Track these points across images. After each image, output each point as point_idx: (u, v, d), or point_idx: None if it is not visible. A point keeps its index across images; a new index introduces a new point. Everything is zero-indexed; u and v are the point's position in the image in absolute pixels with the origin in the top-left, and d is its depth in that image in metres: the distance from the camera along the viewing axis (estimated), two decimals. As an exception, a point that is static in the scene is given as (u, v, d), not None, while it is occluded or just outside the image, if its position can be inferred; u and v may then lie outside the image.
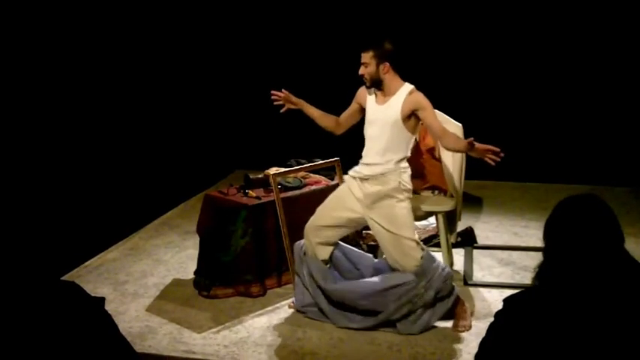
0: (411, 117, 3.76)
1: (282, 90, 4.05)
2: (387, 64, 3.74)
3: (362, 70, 3.78)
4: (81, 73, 5.24)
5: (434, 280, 3.68)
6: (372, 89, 3.85)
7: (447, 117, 4.32)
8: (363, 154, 3.87)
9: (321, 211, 3.94)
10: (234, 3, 7.10)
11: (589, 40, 6.26)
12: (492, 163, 3.76)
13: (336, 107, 4.12)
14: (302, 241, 4.01)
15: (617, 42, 6.21)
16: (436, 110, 3.93)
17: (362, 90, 3.95)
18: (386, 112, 3.78)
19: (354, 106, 4.03)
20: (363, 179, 3.80)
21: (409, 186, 3.80)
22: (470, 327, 3.78)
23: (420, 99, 3.75)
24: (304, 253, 3.96)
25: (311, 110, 4.08)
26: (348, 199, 3.86)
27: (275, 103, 4.08)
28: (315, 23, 6.88)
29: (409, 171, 3.83)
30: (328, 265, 3.94)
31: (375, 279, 3.82)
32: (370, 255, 4.16)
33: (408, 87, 3.81)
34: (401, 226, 3.71)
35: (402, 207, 3.76)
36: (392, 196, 3.74)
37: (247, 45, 7.21)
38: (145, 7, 6.02)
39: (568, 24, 6.29)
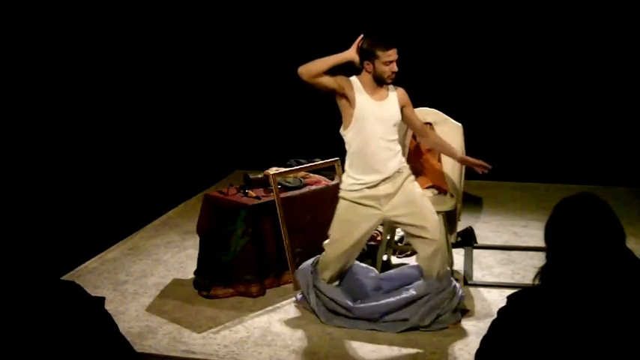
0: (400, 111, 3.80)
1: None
2: None
3: (396, 67, 3.66)
4: (81, 73, 5.24)
5: (455, 286, 3.85)
6: (365, 86, 3.71)
7: (447, 117, 4.32)
8: (360, 157, 3.70)
9: (338, 240, 3.81)
10: (234, 3, 7.10)
11: (589, 40, 6.26)
12: (480, 172, 3.89)
13: (335, 106, 4.11)
14: (308, 265, 4.00)
15: (617, 42, 6.21)
16: (436, 110, 3.95)
17: (345, 80, 3.72)
18: (388, 107, 3.72)
19: (336, 82, 3.69)
20: (375, 186, 3.72)
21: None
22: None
23: (405, 95, 3.82)
24: (313, 285, 3.93)
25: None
26: (359, 216, 3.76)
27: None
28: (314, 23, 6.88)
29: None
30: (337, 284, 3.94)
31: (406, 291, 3.82)
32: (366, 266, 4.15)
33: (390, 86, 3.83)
34: (426, 201, 3.83)
35: (417, 186, 3.87)
36: (409, 181, 3.80)
37: (247, 45, 7.21)
38: (145, 7, 6.02)
39: (568, 24, 6.29)
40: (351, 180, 3.76)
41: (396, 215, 3.76)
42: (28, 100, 4.72)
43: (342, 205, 3.82)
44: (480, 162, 3.90)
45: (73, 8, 5.10)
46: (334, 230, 3.83)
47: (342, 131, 3.77)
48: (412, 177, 3.85)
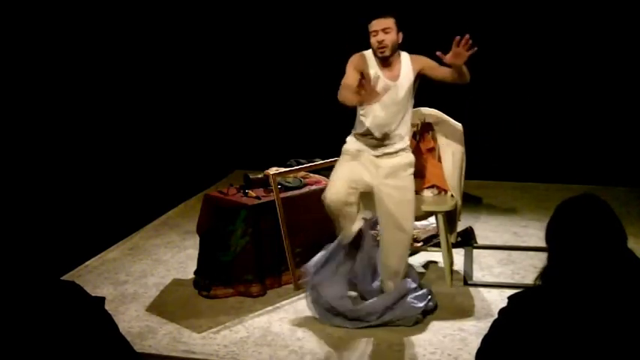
0: (415, 81, 3.76)
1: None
2: (401, 33, 3.70)
3: (382, 37, 3.59)
4: (81, 73, 5.24)
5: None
6: (378, 61, 3.68)
7: (447, 117, 4.32)
8: (371, 127, 3.71)
9: (337, 181, 3.81)
10: (234, 3, 7.10)
11: (589, 40, 6.26)
12: (466, 50, 3.56)
13: (335, 106, 4.11)
14: (313, 262, 3.98)
15: (617, 42, 6.21)
16: (436, 110, 3.94)
17: (358, 57, 3.74)
18: (402, 86, 3.69)
19: (357, 75, 3.70)
20: (379, 156, 3.77)
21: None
22: None
23: (422, 58, 3.75)
24: (312, 288, 3.93)
25: None
26: (356, 165, 3.80)
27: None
28: (314, 23, 6.88)
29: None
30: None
31: (389, 294, 3.85)
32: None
33: (404, 54, 3.77)
34: (411, 195, 3.82)
35: (412, 180, 3.86)
36: (406, 169, 3.80)
37: (247, 45, 7.21)
38: (144, 7, 6.02)
39: (568, 24, 6.29)
40: (356, 140, 3.83)
41: (379, 198, 3.77)
42: (28, 101, 4.72)
43: (342, 157, 3.87)
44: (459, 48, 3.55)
45: (73, 8, 5.10)
46: (330, 178, 3.88)
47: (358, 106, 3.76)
48: (411, 172, 3.85)
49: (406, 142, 3.85)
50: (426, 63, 3.77)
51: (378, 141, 3.77)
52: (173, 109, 6.55)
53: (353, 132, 3.89)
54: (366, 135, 3.80)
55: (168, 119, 6.46)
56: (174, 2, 6.53)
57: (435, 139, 4.35)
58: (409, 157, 3.87)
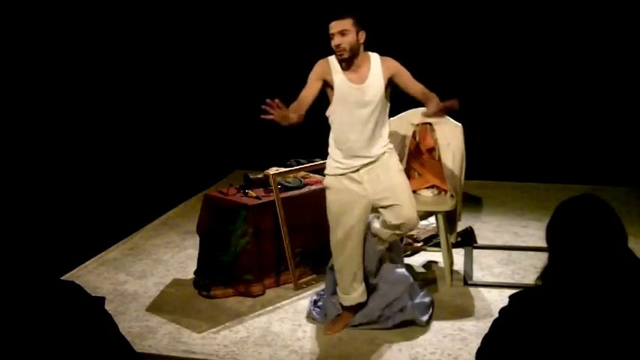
0: (388, 86, 3.54)
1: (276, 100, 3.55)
2: (364, 32, 3.47)
3: (339, 40, 3.40)
4: (81, 73, 5.24)
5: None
6: (342, 64, 3.50)
7: (447, 117, 4.32)
8: (344, 144, 3.54)
9: (336, 229, 3.67)
10: (234, 3, 7.10)
11: (589, 40, 6.26)
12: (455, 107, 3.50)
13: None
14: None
15: (617, 42, 6.21)
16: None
17: (323, 64, 3.56)
18: (370, 91, 3.48)
19: (317, 85, 3.54)
20: (361, 168, 3.57)
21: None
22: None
23: (394, 64, 3.54)
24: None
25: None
26: (347, 204, 3.60)
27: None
28: (314, 23, 6.88)
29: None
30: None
31: (389, 291, 3.83)
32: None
33: (374, 56, 3.56)
34: (407, 188, 3.63)
35: (396, 163, 3.66)
36: (393, 167, 3.62)
37: (247, 45, 7.21)
38: (144, 7, 6.02)
39: (568, 24, 6.29)
40: (333, 163, 3.64)
41: (379, 199, 3.61)
42: (28, 101, 4.72)
43: (329, 196, 3.67)
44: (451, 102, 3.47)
45: (73, 8, 5.10)
46: (331, 227, 3.71)
47: (327, 113, 3.62)
48: (394, 155, 3.66)
49: (385, 146, 3.61)
50: (398, 71, 3.55)
51: (354, 150, 3.55)
52: (173, 109, 6.55)
53: (329, 153, 3.68)
54: (341, 149, 3.59)
55: (169, 119, 6.46)
56: (175, 2, 6.53)
57: (435, 139, 4.35)
58: (392, 156, 3.65)
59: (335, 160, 3.64)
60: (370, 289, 3.86)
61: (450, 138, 4.28)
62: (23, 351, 1.69)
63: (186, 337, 3.78)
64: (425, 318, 3.82)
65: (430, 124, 4.32)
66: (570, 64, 6.37)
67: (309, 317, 3.97)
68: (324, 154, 4.80)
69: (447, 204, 4.30)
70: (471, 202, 6.02)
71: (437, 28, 6.54)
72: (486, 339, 1.89)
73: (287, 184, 4.55)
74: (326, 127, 3.86)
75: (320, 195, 4.47)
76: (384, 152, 3.62)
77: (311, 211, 4.48)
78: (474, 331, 3.75)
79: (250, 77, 7.24)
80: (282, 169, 4.61)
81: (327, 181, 3.70)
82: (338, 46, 3.43)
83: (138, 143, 5.95)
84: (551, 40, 6.37)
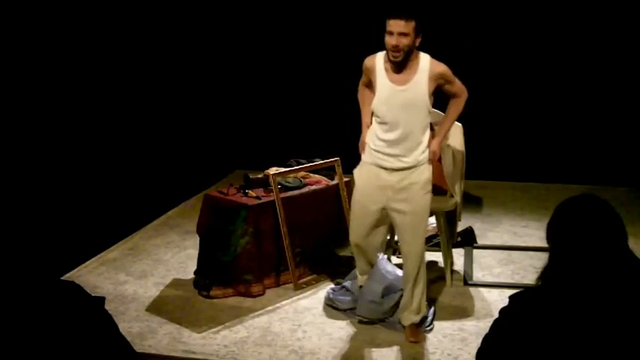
0: (434, 93, 3.54)
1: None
2: (420, 37, 3.45)
3: (397, 41, 3.35)
4: (81, 73, 5.24)
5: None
6: (387, 61, 3.50)
7: (447, 117, 4.31)
8: (383, 138, 3.53)
9: (355, 225, 3.73)
10: (234, 3, 7.09)
11: (589, 40, 6.26)
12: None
13: (335, 106, 4.11)
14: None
15: (617, 42, 6.21)
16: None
17: (368, 63, 3.59)
18: (413, 93, 3.46)
19: (366, 81, 3.65)
20: (393, 170, 3.55)
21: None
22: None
23: (444, 70, 3.52)
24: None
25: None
26: (368, 195, 3.63)
27: None
28: (314, 23, 6.87)
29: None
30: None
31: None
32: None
33: (425, 58, 3.51)
34: (424, 216, 3.64)
35: (428, 198, 3.62)
36: (423, 188, 3.57)
37: (247, 45, 7.21)
38: (144, 7, 6.02)
39: (568, 24, 6.29)
40: (369, 150, 3.64)
41: (392, 211, 3.62)
42: (28, 101, 4.72)
43: (356, 183, 3.70)
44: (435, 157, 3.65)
45: (73, 8, 5.10)
46: (351, 214, 3.79)
47: (371, 107, 3.62)
48: (427, 171, 3.59)
49: (423, 152, 3.57)
50: (446, 80, 3.56)
51: (389, 149, 3.55)
52: (173, 109, 6.55)
53: (367, 142, 3.69)
54: (379, 142, 3.58)
55: (169, 119, 6.46)
56: (175, 2, 6.53)
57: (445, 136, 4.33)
58: (425, 173, 3.58)
59: (370, 152, 3.63)
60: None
61: (449, 138, 4.28)
62: (23, 351, 1.69)
63: (186, 337, 3.78)
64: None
65: (430, 123, 4.31)
66: (570, 64, 6.37)
67: (331, 305, 4.05)
68: (324, 154, 4.82)
69: (447, 204, 4.30)
70: (471, 202, 6.02)
71: (437, 28, 6.53)
72: (486, 339, 1.89)
73: (287, 184, 4.55)
74: (326, 128, 3.87)
75: (320, 195, 4.49)
76: (421, 164, 3.57)
77: (311, 211, 4.49)
78: (474, 331, 3.75)
79: (250, 77, 7.24)
80: (282, 169, 4.61)
81: (355, 172, 3.73)
82: (396, 46, 3.38)
83: (138, 143, 5.95)
84: (551, 40, 6.37)
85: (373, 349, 3.61)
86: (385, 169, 3.58)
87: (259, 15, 7.11)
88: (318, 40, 6.88)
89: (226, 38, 7.21)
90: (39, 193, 4.66)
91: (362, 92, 3.80)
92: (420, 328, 3.73)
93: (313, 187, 4.63)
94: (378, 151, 3.59)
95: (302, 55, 6.99)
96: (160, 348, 3.67)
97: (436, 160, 3.70)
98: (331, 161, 4.69)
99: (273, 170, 4.54)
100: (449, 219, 4.37)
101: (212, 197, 4.53)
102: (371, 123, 3.67)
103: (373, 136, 3.62)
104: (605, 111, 6.38)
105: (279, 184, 4.48)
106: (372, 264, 3.86)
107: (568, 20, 6.28)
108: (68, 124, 5.09)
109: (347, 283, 4.07)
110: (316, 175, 4.79)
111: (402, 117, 3.49)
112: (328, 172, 4.82)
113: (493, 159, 6.63)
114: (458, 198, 4.32)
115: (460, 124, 4.28)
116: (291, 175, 4.63)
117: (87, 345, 1.75)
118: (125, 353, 1.87)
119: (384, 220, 3.71)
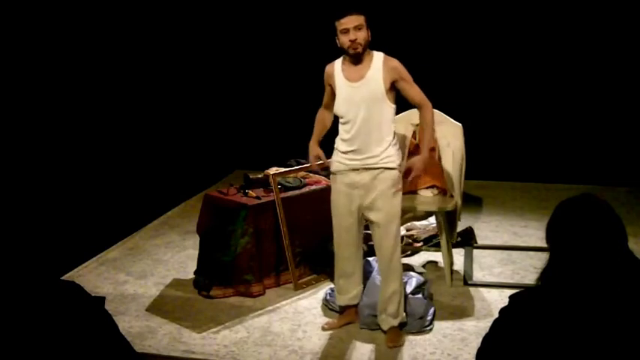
0: (392, 88, 3.53)
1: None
2: (369, 31, 3.50)
3: (355, 35, 3.42)
4: (81, 73, 5.24)
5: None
6: (345, 63, 3.56)
7: (447, 117, 4.32)
8: (346, 138, 3.56)
9: (337, 230, 3.73)
10: (234, 3, 7.10)
11: (589, 40, 6.26)
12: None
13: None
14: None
15: (617, 42, 6.21)
16: (436, 110, 3.95)
17: (327, 71, 3.67)
18: (369, 87, 3.49)
19: (328, 90, 3.71)
20: (359, 170, 3.56)
21: (399, 160, 3.60)
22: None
23: (396, 66, 3.52)
24: None
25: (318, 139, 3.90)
26: (342, 198, 3.64)
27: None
28: (314, 24, 6.88)
29: (397, 144, 3.63)
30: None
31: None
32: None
33: (378, 55, 3.55)
34: (395, 215, 3.60)
35: (398, 198, 3.61)
36: (393, 187, 3.56)
37: (247, 45, 7.21)
38: (144, 7, 6.02)
39: (568, 24, 6.29)
40: (335, 159, 3.68)
41: (365, 210, 3.61)
42: (28, 101, 4.72)
43: (332, 191, 3.73)
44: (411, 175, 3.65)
45: (73, 8, 5.10)
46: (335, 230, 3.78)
47: (334, 111, 3.68)
48: (398, 187, 3.58)
49: (388, 153, 3.55)
50: (400, 75, 3.54)
51: (354, 147, 3.55)
52: (173, 109, 6.55)
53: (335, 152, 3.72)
54: (342, 143, 3.62)
55: (169, 119, 6.46)
56: (175, 2, 6.53)
57: (435, 139, 4.34)
58: (392, 174, 3.55)
59: (338, 154, 3.67)
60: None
61: (449, 138, 4.28)
62: (23, 351, 1.69)
63: (186, 337, 3.78)
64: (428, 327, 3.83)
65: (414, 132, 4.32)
66: (570, 65, 6.37)
67: (327, 306, 4.06)
68: (324, 154, 4.81)
69: (447, 204, 4.30)
70: (471, 202, 6.02)
71: (437, 28, 6.54)
72: (486, 339, 1.89)
73: (287, 184, 4.55)
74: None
75: (320, 195, 4.48)
76: (389, 164, 3.55)
77: (311, 211, 4.49)
78: (473, 331, 3.75)
79: (250, 77, 7.24)
80: (282, 169, 4.61)
81: (331, 177, 3.79)
82: (354, 40, 3.44)
83: (138, 143, 5.95)
84: (551, 40, 6.37)
85: (373, 349, 3.61)
86: (355, 170, 3.59)
87: (259, 15, 7.11)
88: (318, 40, 6.87)
89: (226, 39, 7.21)
90: (39, 193, 4.66)
91: (320, 113, 3.89)
92: (400, 332, 3.70)
93: (313, 187, 4.63)
94: (345, 153, 3.61)
95: (302, 55, 6.99)
96: (159, 348, 3.68)
97: (418, 179, 3.75)
98: (331, 161, 4.68)
99: (273, 170, 4.54)
100: (449, 219, 4.36)
101: (212, 197, 4.53)
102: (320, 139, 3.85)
103: (339, 140, 3.67)
104: (605, 111, 6.38)
105: (279, 184, 4.48)
106: (352, 263, 3.79)
107: (568, 20, 6.28)
108: (68, 124, 5.09)
109: None
110: (316, 175, 4.79)
111: (361, 113, 3.51)
112: (328, 172, 4.82)
113: (493, 159, 6.63)
114: (458, 198, 4.32)
115: (460, 124, 4.29)
116: (291, 175, 4.63)
117: (87, 345, 1.75)
118: (125, 353, 1.87)
119: (361, 220, 3.71)
